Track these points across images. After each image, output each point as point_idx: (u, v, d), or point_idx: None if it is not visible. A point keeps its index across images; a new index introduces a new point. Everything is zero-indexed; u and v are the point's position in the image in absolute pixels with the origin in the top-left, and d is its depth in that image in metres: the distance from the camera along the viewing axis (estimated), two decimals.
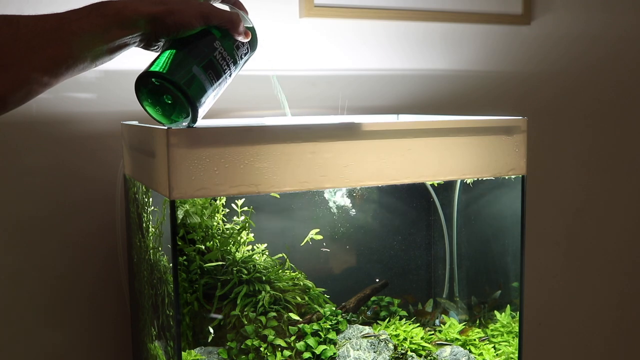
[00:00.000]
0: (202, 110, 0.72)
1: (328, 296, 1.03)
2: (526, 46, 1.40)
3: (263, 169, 0.77)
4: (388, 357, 0.97)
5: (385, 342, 0.98)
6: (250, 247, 1.01)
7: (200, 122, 0.74)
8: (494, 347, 1.04)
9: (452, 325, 1.08)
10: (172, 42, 0.71)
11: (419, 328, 1.05)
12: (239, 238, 0.99)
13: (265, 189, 0.77)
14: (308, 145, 0.79)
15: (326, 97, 1.22)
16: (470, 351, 1.03)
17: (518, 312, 1.00)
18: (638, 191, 1.59)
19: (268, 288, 0.97)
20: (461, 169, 0.89)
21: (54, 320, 1.07)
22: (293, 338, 0.95)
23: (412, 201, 1.15)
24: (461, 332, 1.07)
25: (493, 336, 1.05)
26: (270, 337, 0.93)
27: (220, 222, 0.98)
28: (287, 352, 0.93)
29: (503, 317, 1.05)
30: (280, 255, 1.02)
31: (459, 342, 1.05)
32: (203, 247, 0.95)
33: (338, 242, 1.09)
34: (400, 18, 1.25)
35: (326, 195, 1.06)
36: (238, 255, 0.98)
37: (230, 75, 0.76)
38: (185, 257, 0.94)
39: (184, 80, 0.69)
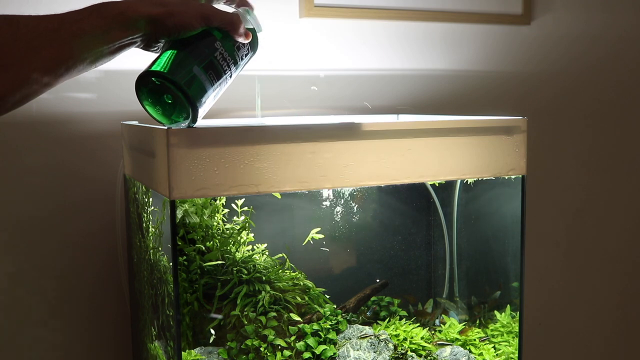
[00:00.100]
0: (202, 111, 0.72)
1: (328, 296, 1.03)
2: (526, 46, 1.40)
3: (263, 169, 0.77)
4: (388, 357, 0.97)
5: (385, 342, 0.98)
6: (250, 247, 1.01)
7: (200, 122, 0.74)
8: (494, 347, 1.04)
9: (452, 325, 1.08)
10: (172, 42, 0.72)
11: (419, 328, 1.05)
12: (239, 238, 0.99)
13: (265, 189, 0.77)
14: (308, 145, 0.79)
15: (326, 97, 1.22)
16: (470, 351, 1.04)
17: (518, 312, 1.00)
18: (638, 191, 1.59)
19: (268, 288, 0.97)
20: (461, 169, 0.89)
21: (54, 320, 1.07)
22: (293, 338, 0.95)
23: (412, 201, 1.15)
24: (461, 332, 1.07)
25: (493, 336, 1.05)
26: (270, 337, 0.93)
27: (220, 222, 0.98)
28: (287, 352, 0.93)
29: (503, 317, 1.05)
30: (280, 255, 1.02)
31: (459, 342, 1.05)
32: (203, 247, 0.95)
33: (338, 242, 1.09)
34: (400, 18, 1.25)
35: (326, 195, 1.06)
36: (238, 255, 0.98)
37: (230, 76, 0.76)
38: (185, 257, 0.94)
39: (185, 80, 0.70)
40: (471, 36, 1.34)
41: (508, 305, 1.04)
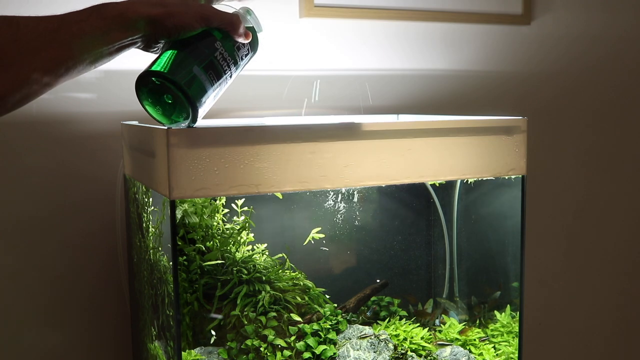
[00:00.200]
0: (202, 111, 0.72)
1: (328, 296, 1.03)
2: (526, 46, 1.40)
3: (263, 169, 0.77)
4: (388, 357, 0.97)
5: (385, 342, 0.98)
6: (250, 247, 1.01)
7: (200, 122, 0.74)
8: (494, 347, 1.04)
9: (452, 325, 1.08)
10: (172, 43, 0.72)
11: (419, 328, 1.05)
12: (239, 238, 0.99)
13: (265, 189, 0.77)
14: (308, 145, 0.79)
15: (326, 97, 1.22)
16: (470, 351, 1.04)
17: (518, 312, 1.00)
18: (638, 191, 1.59)
19: (268, 288, 0.97)
20: (461, 169, 0.89)
21: (54, 320, 1.07)
22: (293, 338, 0.95)
23: (412, 201, 1.15)
24: (461, 332, 1.07)
25: (493, 336, 1.05)
26: (270, 337, 0.93)
27: (220, 222, 0.98)
28: (287, 352, 0.93)
29: (503, 317, 1.05)
30: (280, 255, 1.02)
31: (459, 342, 1.05)
32: (203, 247, 0.95)
33: (338, 242, 1.09)
34: (400, 18, 1.25)
35: (326, 195, 1.06)
36: (238, 255, 0.98)
37: (230, 76, 0.76)
38: (185, 257, 0.94)
39: (185, 80, 0.70)
40: (471, 36, 1.34)
41: (508, 305, 1.04)
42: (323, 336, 0.97)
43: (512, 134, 0.91)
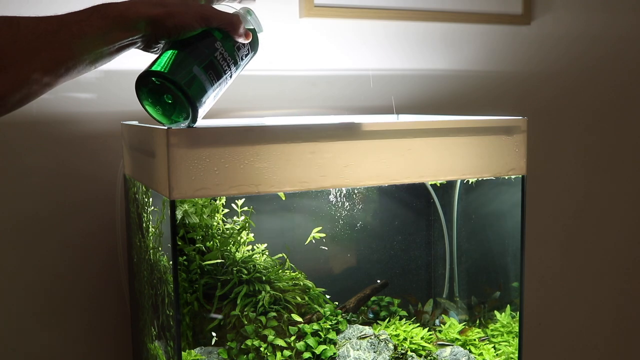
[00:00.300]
0: (202, 111, 0.72)
1: (328, 296, 1.03)
2: (526, 46, 1.40)
3: (263, 169, 0.77)
4: (388, 357, 0.97)
5: (385, 342, 0.98)
6: (250, 247, 1.01)
7: (200, 122, 0.74)
8: (494, 347, 1.04)
9: (452, 325, 1.08)
10: (173, 43, 0.72)
11: (419, 328, 1.05)
12: (239, 238, 0.99)
13: (265, 189, 0.77)
14: (308, 145, 0.79)
15: (326, 97, 1.22)
16: (470, 351, 1.04)
17: (518, 312, 1.00)
18: (638, 191, 1.59)
19: (268, 288, 0.97)
20: (461, 169, 0.89)
21: (54, 320, 1.07)
22: (293, 338, 0.95)
23: (412, 201, 1.15)
24: (461, 332, 1.07)
25: (493, 336, 1.05)
26: (270, 337, 0.93)
27: (220, 222, 0.98)
28: (287, 352, 0.93)
29: (503, 317, 1.05)
30: (280, 255, 1.02)
31: (459, 342, 1.05)
32: (203, 247, 0.95)
33: (338, 242, 1.09)
34: (400, 18, 1.25)
35: (326, 195, 1.06)
36: (238, 255, 0.98)
37: (230, 76, 0.76)
38: (185, 257, 0.94)
39: (185, 80, 0.70)
40: (471, 36, 1.34)
41: (508, 305, 1.04)
42: (323, 336, 0.97)
43: (512, 134, 0.91)
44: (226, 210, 0.99)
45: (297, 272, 1.02)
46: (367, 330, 1.00)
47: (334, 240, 1.08)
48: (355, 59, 1.24)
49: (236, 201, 0.99)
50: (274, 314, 0.95)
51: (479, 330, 1.07)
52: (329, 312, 0.99)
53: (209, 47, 0.72)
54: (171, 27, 0.69)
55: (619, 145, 1.54)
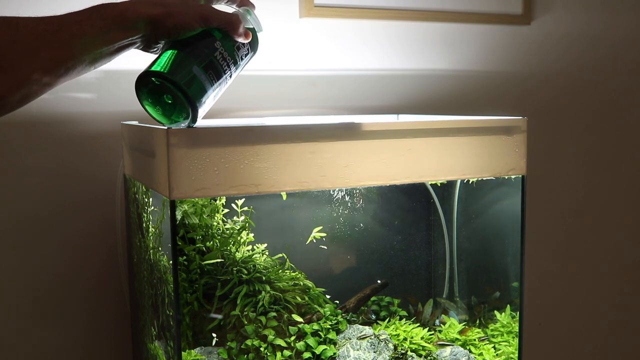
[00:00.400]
0: (202, 111, 0.72)
1: (328, 296, 1.03)
2: (526, 46, 1.40)
3: (263, 169, 0.77)
4: (388, 357, 0.97)
5: (385, 342, 0.98)
6: (250, 247, 1.01)
7: (200, 122, 0.74)
8: (494, 347, 1.04)
9: (452, 325, 1.08)
10: (172, 43, 0.72)
11: (419, 328, 1.05)
12: (239, 238, 0.99)
13: (265, 189, 0.77)
14: (308, 145, 0.79)
15: (326, 97, 1.22)
16: (470, 351, 1.04)
17: (518, 312, 1.00)
18: (638, 191, 1.59)
19: (268, 288, 0.97)
20: (461, 169, 0.89)
21: (54, 320, 1.07)
22: (293, 338, 0.95)
23: (412, 201, 1.15)
24: (461, 332, 1.07)
25: (493, 336, 1.05)
26: (270, 337, 0.93)
27: (220, 222, 0.98)
28: (287, 352, 0.93)
29: (503, 317, 1.05)
30: (280, 255, 1.02)
31: (459, 342, 1.05)
32: (203, 247, 0.95)
33: (338, 242, 1.09)
34: (400, 18, 1.25)
35: (326, 195, 1.06)
36: (238, 255, 0.98)
37: (230, 76, 0.76)
38: (185, 257, 0.94)
39: (185, 80, 0.70)
40: (471, 36, 1.34)
41: (508, 305, 1.04)
42: (323, 336, 0.97)
43: (512, 134, 0.91)
44: (226, 210, 0.99)
45: (297, 272, 1.02)
46: (367, 330, 1.00)
47: (334, 240, 1.08)
48: (355, 59, 1.24)
49: (236, 201, 0.99)
50: (274, 314, 0.95)
51: (479, 330, 1.07)
52: (329, 312, 0.99)
53: (208, 47, 0.72)
54: (171, 27, 0.69)
55: (619, 145, 1.54)
